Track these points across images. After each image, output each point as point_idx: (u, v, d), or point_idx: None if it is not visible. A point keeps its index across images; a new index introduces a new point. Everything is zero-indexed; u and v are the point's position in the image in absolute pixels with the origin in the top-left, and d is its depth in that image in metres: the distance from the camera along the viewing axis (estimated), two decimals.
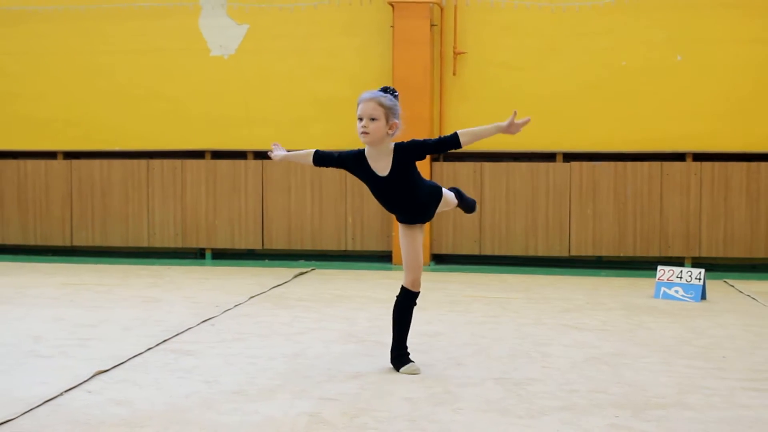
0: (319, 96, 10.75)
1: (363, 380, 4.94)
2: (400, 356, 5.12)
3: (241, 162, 10.77)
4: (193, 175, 10.86)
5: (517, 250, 10.30)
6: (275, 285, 8.64)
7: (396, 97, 4.92)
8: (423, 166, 10.05)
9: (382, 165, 4.90)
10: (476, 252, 10.38)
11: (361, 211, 10.51)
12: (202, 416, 4.19)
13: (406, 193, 4.95)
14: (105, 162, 11.04)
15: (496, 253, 10.35)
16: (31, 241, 11.23)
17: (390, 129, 4.83)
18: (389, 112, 4.81)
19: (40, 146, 11.30)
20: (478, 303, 7.63)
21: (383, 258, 10.58)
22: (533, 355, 5.60)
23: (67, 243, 11.15)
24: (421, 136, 10.28)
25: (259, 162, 10.70)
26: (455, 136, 4.77)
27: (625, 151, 10.26)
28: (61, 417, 4.16)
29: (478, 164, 10.31)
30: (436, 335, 6.18)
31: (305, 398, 4.55)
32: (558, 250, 10.23)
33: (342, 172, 10.43)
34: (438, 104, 10.45)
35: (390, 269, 10.06)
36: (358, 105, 4.87)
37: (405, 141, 4.89)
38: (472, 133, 4.78)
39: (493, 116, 10.45)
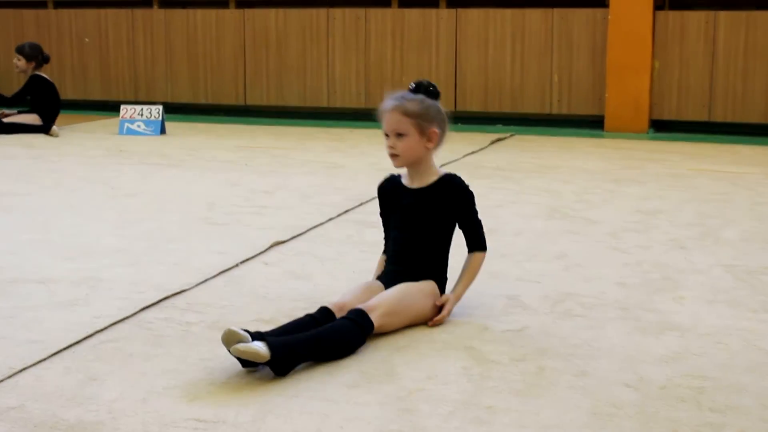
0: None
1: (568, 261, 4.93)
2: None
3: (431, 11, 10.69)
4: (377, 26, 10.89)
5: (754, 117, 9.86)
6: (469, 152, 8.65)
7: (433, 94, 3.99)
8: (642, 16, 9.70)
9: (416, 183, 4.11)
10: (705, 118, 10.01)
11: (569, 68, 10.28)
12: None
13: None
14: (281, 11, 11.20)
15: (729, 119, 9.95)
16: (202, 100, 11.63)
17: (429, 142, 3.96)
18: (421, 121, 3.92)
19: None
20: (704, 178, 7.42)
21: (594, 123, 10.37)
22: None
23: (240, 102, 11.49)
24: None
25: (452, 11, 10.59)
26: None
27: None
28: (237, 289, 4.37)
29: (711, 13, 9.84)
30: (655, 213, 6.07)
31: (502, 279, 4.59)
32: None
33: (548, 23, 10.23)
34: None
35: (602, 136, 9.88)
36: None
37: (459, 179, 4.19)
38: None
39: None
